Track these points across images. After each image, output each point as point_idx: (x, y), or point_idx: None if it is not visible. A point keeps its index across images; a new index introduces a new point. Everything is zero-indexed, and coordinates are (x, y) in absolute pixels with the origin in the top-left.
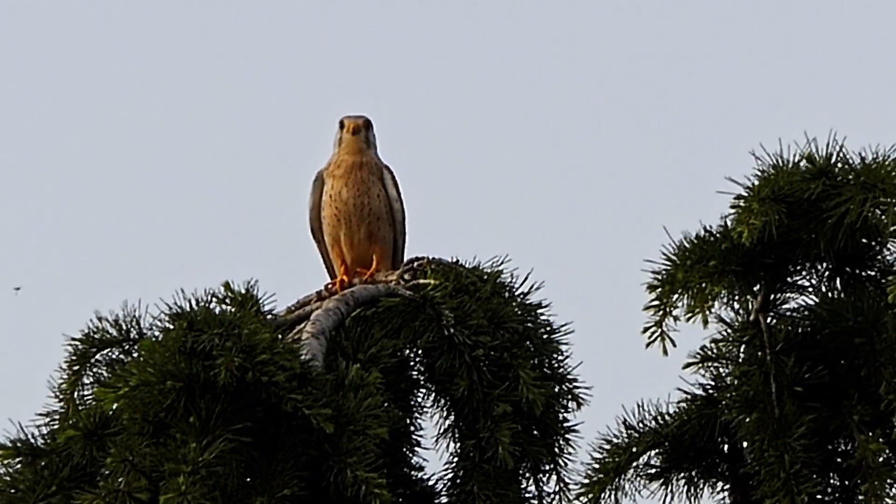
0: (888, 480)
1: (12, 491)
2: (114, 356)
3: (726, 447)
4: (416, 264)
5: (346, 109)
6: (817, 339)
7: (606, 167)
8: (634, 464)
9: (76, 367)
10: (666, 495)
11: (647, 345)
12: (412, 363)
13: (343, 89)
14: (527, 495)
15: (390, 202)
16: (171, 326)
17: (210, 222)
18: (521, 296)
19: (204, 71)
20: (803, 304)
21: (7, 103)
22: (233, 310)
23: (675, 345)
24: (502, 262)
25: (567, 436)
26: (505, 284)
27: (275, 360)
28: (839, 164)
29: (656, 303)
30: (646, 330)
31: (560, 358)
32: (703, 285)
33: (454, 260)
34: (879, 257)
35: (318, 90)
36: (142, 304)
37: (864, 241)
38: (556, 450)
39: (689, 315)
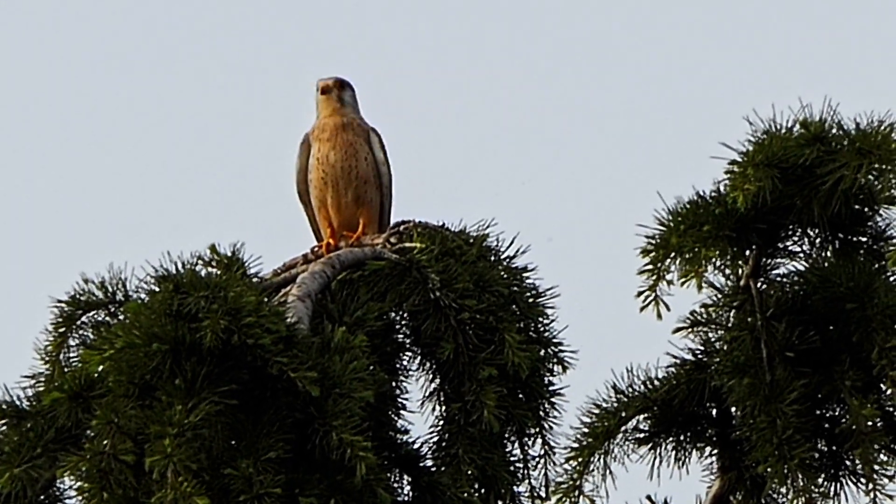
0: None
1: None
2: (100, 318)
3: (715, 412)
4: (402, 227)
5: (331, 72)
6: (808, 305)
7: (598, 131)
8: (623, 428)
9: (62, 329)
10: (654, 460)
11: (642, 309)
12: (398, 326)
13: (330, 53)
14: (512, 459)
15: (377, 165)
16: (158, 289)
17: (196, 185)
18: (507, 259)
19: (193, 33)
20: (793, 269)
21: None
22: (219, 272)
23: (668, 309)
24: (488, 226)
25: (552, 399)
26: (491, 248)
27: (260, 322)
28: (834, 130)
29: (650, 267)
30: (640, 294)
31: (545, 321)
32: (697, 250)
33: (440, 223)
34: (871, 223)
35: (305, 52)
36: (128, 266)
37: (856, 207)
38: (542, 413)
39: (683, 279)
